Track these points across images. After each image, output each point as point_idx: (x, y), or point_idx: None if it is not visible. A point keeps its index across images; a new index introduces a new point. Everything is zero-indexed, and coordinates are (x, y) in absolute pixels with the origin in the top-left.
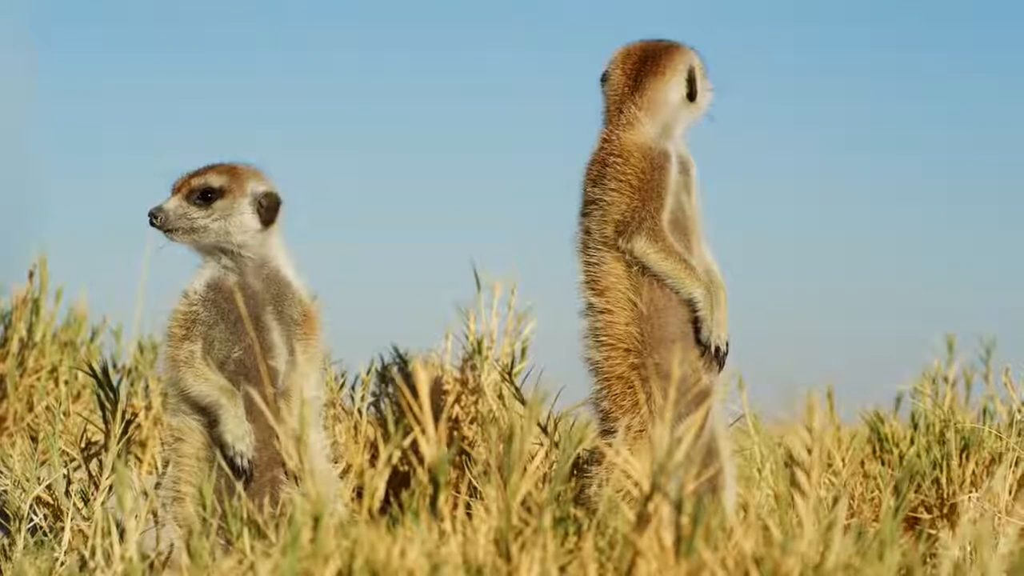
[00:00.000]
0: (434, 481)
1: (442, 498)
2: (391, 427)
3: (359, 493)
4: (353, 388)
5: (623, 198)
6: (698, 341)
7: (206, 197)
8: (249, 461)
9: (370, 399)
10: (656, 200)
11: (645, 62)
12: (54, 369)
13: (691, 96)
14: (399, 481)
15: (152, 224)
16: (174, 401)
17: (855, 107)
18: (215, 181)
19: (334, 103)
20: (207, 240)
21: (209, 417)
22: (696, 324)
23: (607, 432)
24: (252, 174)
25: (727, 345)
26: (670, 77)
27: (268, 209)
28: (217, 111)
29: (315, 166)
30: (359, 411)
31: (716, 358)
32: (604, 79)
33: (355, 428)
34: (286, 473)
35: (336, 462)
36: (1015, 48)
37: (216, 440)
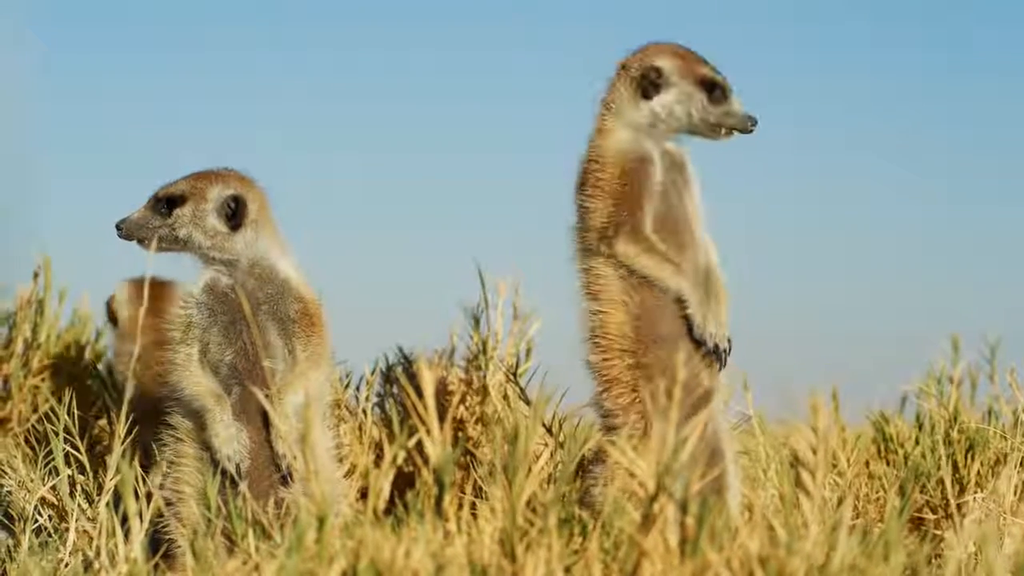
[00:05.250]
0: (439, 481)
1: (447, 499)
2: (396, 427)
3: (364, 494)
4: (358, 388)
5: (600, 203)
6: (693, 340)
7: (169, 206)
8: (238, 465)
9: (375, 399)
10: (634, 202)
11: (622, 62)
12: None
13: (644, 95)
14: (404, 482)
15: (119, 235)
16: (175, 403)
17: (855, 107)
18: (177, 189)
19: (339, 103)
20: (178, 247)
21: (199, 421)
22: (688, 322)
23: (610, 431)
24: (218, 179)
25: (729, 343)
26: (630, 74)
27: (236, 212)
28: (222, 110)
29: (320, 166)
30: (364, 411)
31: (716, 357)
32: None
33: (360, 428)
34: (280, 475)
35: (341, 462)
36: (1015, 48)
37: (206, 444)
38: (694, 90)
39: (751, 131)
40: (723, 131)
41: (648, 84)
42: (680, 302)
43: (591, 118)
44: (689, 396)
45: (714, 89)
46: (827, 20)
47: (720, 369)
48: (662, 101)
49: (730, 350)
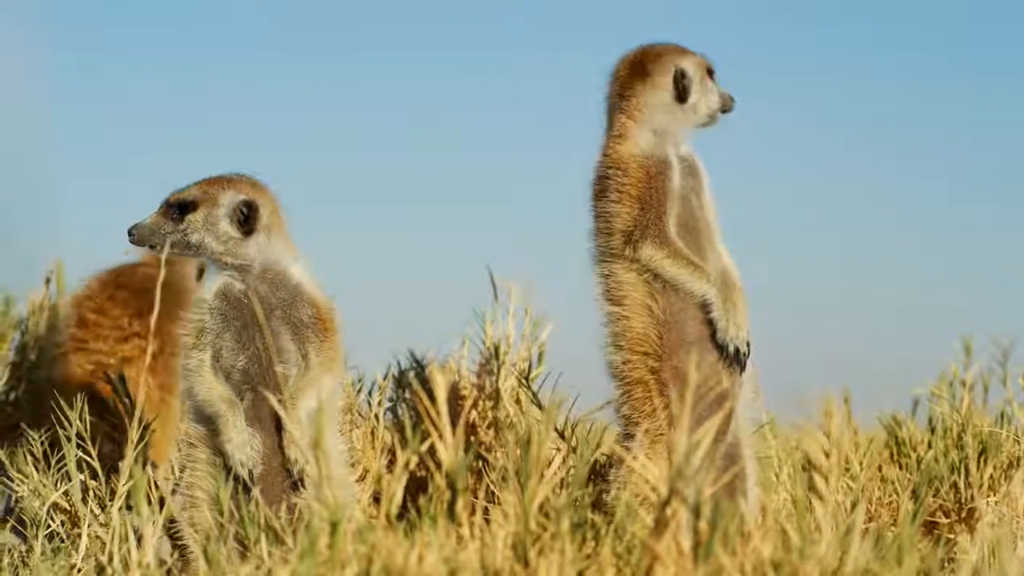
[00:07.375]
0: (452, 486)
1: (460, 503)
2: (408, 432)
3: (377, 498)
4: (370, 393)
5: (624, 209)
6: (715, 343)
7: (181, 211)
8: (250, 470)
9: (387, 404)
10: (658, 207)
11: (633, 67)
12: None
13: (680, 98)
14: (417, 486)
15: (131, 241)
16: (188, 408)
17: (856, 107)
18: (189, 195)
19: (349, 104)
20: (190, 253)
21: (212, 427)
22: (712, 326)
23: (628, 436)
24: (230, 184)
25: (748, 346)
26: (655, 80)
27: (248, 218)
28: (235, 111)
29: (331, 169)
30: (376, 416)
31: (736, 360)
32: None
33: (372, 433)
34: (293, 480)
35: (353, 467)
36: (1015, 48)
37: (218, 450)
38: (710, 82)
39: (732, 110)
40: (719, 116)
41: (681, 88)
42: (704, 306)
43: (599, 119)
44: (711, 400)
45: (713, 76)
46: (827, 20)
47: (740, 373)
48: (693, 101)
49: (750, 353)
